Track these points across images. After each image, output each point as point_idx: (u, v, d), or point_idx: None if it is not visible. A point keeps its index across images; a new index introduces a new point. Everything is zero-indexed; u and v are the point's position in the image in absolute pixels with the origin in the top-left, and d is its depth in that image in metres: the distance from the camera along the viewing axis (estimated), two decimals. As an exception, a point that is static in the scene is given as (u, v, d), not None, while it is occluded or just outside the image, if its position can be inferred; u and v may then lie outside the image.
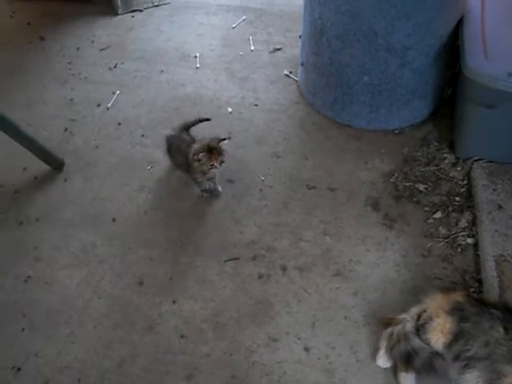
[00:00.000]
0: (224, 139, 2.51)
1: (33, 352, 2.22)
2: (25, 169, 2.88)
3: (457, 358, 1.96)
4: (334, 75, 2.84)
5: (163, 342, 2.23)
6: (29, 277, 2.45)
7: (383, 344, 2.09)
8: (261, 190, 2.73)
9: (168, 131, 2.77)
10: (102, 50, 3.58)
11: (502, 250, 2.33)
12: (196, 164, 2.50)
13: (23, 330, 2.28)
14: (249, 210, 2.65)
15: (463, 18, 2.63)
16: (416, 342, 2.01)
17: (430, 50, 2.66)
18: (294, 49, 3.39)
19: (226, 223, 2.61)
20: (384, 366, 2.10)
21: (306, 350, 2.18)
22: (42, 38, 3.68)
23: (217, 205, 2.69)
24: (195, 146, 2.53)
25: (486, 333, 1.94)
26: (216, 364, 2.16)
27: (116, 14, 3.82)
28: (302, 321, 2.26)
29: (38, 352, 2.22)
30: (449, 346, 1.98)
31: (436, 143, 2.85)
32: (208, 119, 2.80)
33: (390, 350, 2.07)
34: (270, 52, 3.47)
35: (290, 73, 3.30)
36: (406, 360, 2.03)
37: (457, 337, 1.97)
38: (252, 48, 3.51)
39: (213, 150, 2.48)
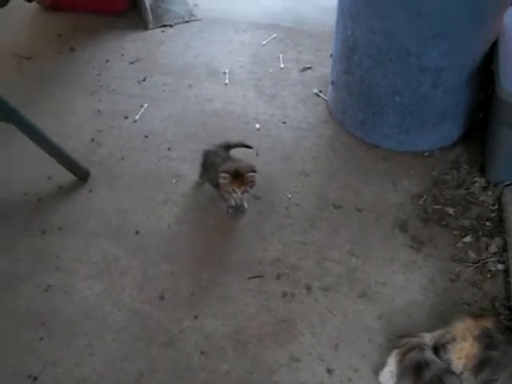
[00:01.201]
0: (254, 171, 2.49)
1: (50, 361, 2.18)
2: (50, 178, 2.87)
3: (483, 386, 1.91)
4: (364, 94, 2.81)
5: (183, 357, 2.18)
6: (49, 286, 2.42)
7: (392, 360, 2.03)
8: (287, 207, 2.69)
9: (199, 145, 2.79)
10: (131, 63, 3.60)
11: (534, 277, 2.27)
12: (220, 181, 2.49)
13: (41, 339, 2.25)
14: (274, 228, 2.61)
15: (498, 40, 2.59)
16: (429, 353, 1.96)
17: (463, 70, 2.62)
18: (324, 68, 3.37)
19: (250, 240, 2.57)
20: None
21: (329, 371, 2.12)
22: (72, 49, 3.71)
23: (242, 221, 2.66)
24: (226, 164, 2.53)
25: None
26: (236, 382, 2.11)
27: (146, 28, 3.85)
28: (325, 342, 2.21)
29: (56, 362, 2.18)
30: (475, 373, 1.92)
31: (466, 166, 2.79)
32: (250, 147, 2.79)
33: (401, 361, 2.00)
34: (300, 71, 3.45)
35: (320, 92, 3.28)
36: (414, 371, 1.97)
37: (483, 364, 1.92)
38: (282, 66, 3.50)
39: (238, 176, 2.47)
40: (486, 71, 2.71)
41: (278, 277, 2.42)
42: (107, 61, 3.63)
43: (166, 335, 2.25)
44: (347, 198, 2.71)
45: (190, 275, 2.45)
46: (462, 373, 1.95)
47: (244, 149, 2.77)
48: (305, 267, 2.45)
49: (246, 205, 2.67)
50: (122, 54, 3.66)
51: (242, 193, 2.50)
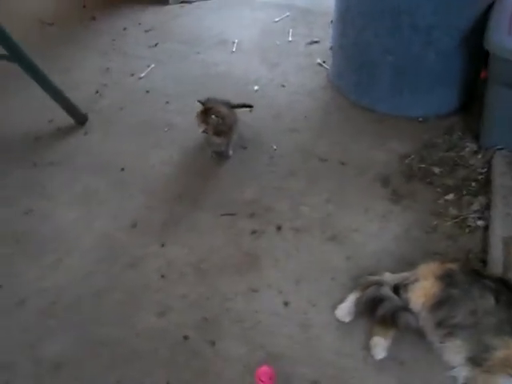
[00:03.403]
0: (218, 117, 2.53)
1: (16, 273, 2.25)
2: (51, 121, 2.99)
3: (440, 324, 1.85)
4: (357, 55, 2.83)
5: (142, 279, 2.21)
6: (30, 210, 2.51)
7: (351, 297, 2.01)
8: (271, 157, 2.71)
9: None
10: (146, 31, 3.71)
11: (512, 232, 2.20)
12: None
13: (12, 254, 2.33)
14: (255, 174, 2.63)
15: (494, 3, 2.56)
16: (386, 290, 1.93)
17: (456, 31, 2.58)
18: (332, 42, 3.39)
19: (229, 183, 2.60)
20: (341, 319, 2.00)
21: (286, 304, 2.10)
22: (94, 18, 3.87)
23: (224, 166, 2.69)
24: (211, 99, 2.64)
25: (475, 301, 1.83)
26: (190, 305, 2.12)
27: (166, 3, 3.97)
28: (286, 276, 2.19)
29: (21, 274, 2.24)
30: (432, 310, 1.87)
31: (460, 133, 2.74)
32: (251, 106, 2.85)
33: (359, 299, 1.98)
34: (307, 44, 3.47)
35: (324, 62, 3.28)
36: (369, 307, 1.94)
37: (442, 303, 1.87)
38: (290, 39, 3.53)
39: (205, 113, 2.53)
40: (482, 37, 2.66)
41: (251, 216, 2.43)
42: (124, 28, 3.76)
43: (130, 258, 2.29)
44: (333, 153, 2.70)
45: (164, 209, 2.49)
46: (419, 312, 1.90)
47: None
48: (279, 210, 2.46)
49: (230, 152, 2.70)
50: (140, 24, 3.79)
51: (203, 131, 2.54)
